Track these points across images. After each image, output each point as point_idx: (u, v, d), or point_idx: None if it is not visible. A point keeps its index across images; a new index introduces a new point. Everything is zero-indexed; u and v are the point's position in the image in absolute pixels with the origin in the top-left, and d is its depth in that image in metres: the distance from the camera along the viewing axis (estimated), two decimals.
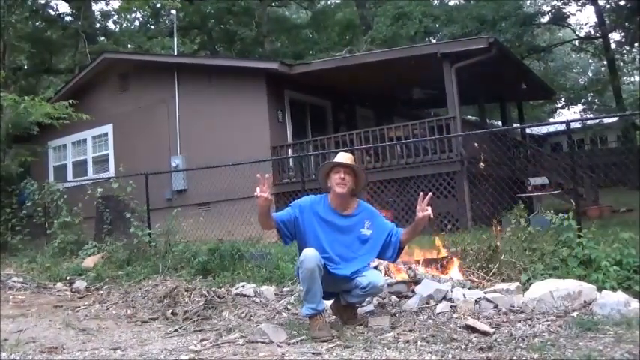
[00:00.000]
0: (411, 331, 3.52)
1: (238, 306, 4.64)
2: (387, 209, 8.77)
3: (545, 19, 23.69)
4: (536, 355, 2.80)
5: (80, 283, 6.70)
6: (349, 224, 3.75)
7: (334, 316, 3.97)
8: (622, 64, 24.31)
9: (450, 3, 25.61)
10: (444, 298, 4.17)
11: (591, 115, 29.79)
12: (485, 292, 4.09)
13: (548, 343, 2.99)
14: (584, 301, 3.71)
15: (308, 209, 3.72)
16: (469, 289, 4.35)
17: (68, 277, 7.17)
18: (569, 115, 34.90)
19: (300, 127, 11.86)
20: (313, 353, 3.11)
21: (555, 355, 2.79)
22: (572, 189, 6.20)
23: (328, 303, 3.90)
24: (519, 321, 3.55)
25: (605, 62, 24.80)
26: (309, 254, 3.51)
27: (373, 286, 3.66)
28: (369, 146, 9.48)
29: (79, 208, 8.99)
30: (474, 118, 20.99)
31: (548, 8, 24.04)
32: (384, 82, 11.92)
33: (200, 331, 3.92)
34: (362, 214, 3.79)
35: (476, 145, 8.72)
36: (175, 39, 16.35)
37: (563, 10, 23.22)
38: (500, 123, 17.96)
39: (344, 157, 3.80)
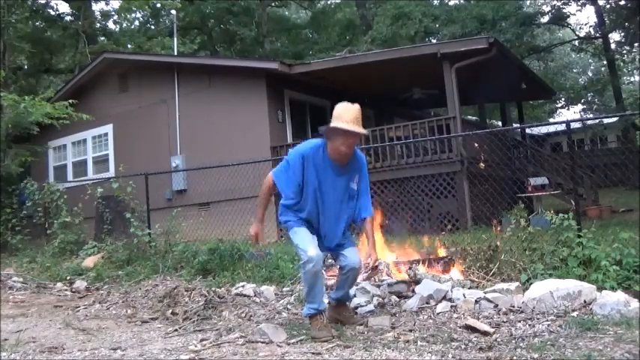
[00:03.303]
0: (411, 331, 3.52)
1: (238, 306, 4.63)
2: (387, 209, 8.79)
3: (545, 19, 23.71)
4: (536, 355, 2.80)
5: (80, 283, 6.70)
6: (344, 177, 3.68)
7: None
8: (622, 64, 24.30)
9: (450, 3, 25.62)
10: (444, 298, 4.17)
11: (591, 115, 29.82)
12: (485, 292, 4.08)
13: (548, 343, 2.98)
14: (584, 301, 3.71)
15: (310, 160, 3.59)
16: (469, 289, 4.35)
17: (68, 277, 7.16)
18: (569, 115, 35.03)
19: (300, 127, 11.86)
20: (313, 353, 3.11)
21: (555, 355, 2.79)
22: (572, 189, 6.21)
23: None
24: (519, 321, 3.55)
25: (605, 62, 24.80)
26: (314, 256, 3.45)
27: (351, 268, 3.66)
28: (369, 146, 9.49)
29: (79, 208, 8.98)
30: (474, 118, 20.99)
31: (548, 8, 24.07)
32: (384, 82, 11.92)
33: (200, 331, 3.92)
34: (355, 166, 3.72)
35: (476, 145, 8.73)
36: (175, 39, 16.36)
37: (563, 10, 23.23)
38: (500, 123, 17.97)
39: (356, 118, 3.55)
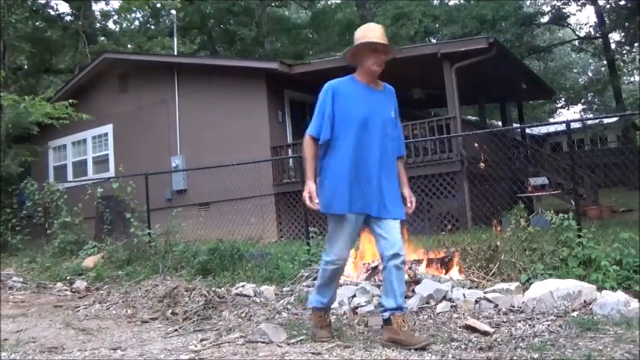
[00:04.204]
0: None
1: (238, 306, 4.63)
2: None
3: (545, 19, 23.72)
4: (536, 355, 2.80)
5: (80, 283, 6.70)
6: (383, 99, 3.48)
7: (334, 316, 3.96)
8: (622, 64, 24.30)
9: (450, 3, 25.63)
10: (444, 298, 4.17)
11: (591, 115, 29.83)
12: (485, 292, 4.09)
13: (548, 343, 2.99)
14: (584, 301, 3.71)
15: (338, 92, 3.35)
16: (469, 289, 4.35)
17: (68, 277, 7.16)
18: (569, 115, 35.05)
19: (300, 127, 11.82)
20: (313, 353, 3.11)
21: (555, 355, 2.79)
22: (572, 189, 6.21)
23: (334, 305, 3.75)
24: (519, 321, 3.55)
25: (605, 62, 24.80)
26: (340, 260, 3.30)
27: (393, 254, 3.15)
28: None
29: (79, 208, 8.99)
30: (474, 118, 20.99)
31: (548, 8, 24.08)
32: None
33: (200, 331, 3.92)
34: (389, 95, 3.55)
35: (476, 145, 8.73)
36: (175, 39, 16.35)
37: (563, 10, 23.25)
38: (500, 123, 17.97)
39: (382, 34, 3.31)
